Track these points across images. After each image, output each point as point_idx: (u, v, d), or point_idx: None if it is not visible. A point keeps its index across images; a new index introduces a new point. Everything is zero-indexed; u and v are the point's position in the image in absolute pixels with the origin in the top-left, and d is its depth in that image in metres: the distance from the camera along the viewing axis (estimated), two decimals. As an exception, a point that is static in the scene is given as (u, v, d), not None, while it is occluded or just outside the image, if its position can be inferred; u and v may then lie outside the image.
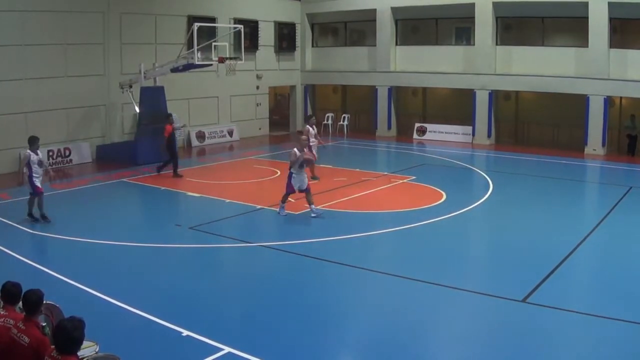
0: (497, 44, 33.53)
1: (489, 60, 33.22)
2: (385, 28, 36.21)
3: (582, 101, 30.98)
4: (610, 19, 30.50)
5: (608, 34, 30.72)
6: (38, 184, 16.90)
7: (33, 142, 17.04)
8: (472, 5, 33.10)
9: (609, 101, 31.13)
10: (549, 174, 25.13)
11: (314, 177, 21.75)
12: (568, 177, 24.69)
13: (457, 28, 36.05)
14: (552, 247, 15.07)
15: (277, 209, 17.99)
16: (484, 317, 11.25)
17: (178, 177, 23.55)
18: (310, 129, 22.52)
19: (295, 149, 17.72)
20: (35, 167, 16.84)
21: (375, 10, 36.16)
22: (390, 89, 36.30)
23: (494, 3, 32.73)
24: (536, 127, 33.99)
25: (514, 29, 34.69)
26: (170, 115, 25.13)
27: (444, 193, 20.52)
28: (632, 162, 28.55)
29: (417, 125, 36.06)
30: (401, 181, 22.46)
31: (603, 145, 30.87)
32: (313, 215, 17.52)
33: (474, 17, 33.36)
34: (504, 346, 9.99)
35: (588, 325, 10.85)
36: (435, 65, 34.81)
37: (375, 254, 15.12)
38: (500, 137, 34.45)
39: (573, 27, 32.43)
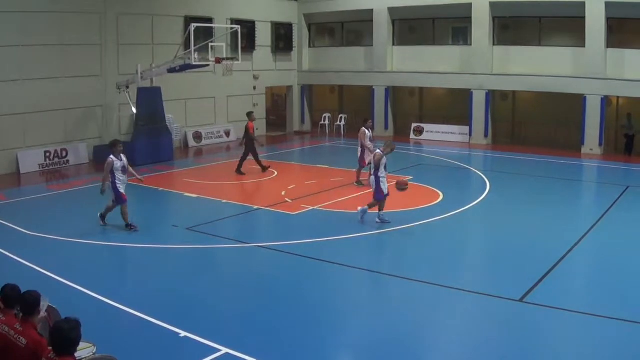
0: (494, 44, 33.57)
1: (486, 60, 33.26)
2: (382, 28, 36.23)
3: (579, 101, 31.03)
4: (607, 19, 30.52)
5: (605, 34, 30.79)
6: (122, 191, 16.19)
7: (115, 146, 16.23)
8: (469, 5, 33.14)
9: (606, 101, 31.14)
10: (546, 174, 25.17)
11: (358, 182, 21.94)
12: (565, 176, 24.71)
13: (454, 28, 36.09)
14: (549, 246, 15.08)
15: (379, 221, 17.00)
16: (482, 317, 11.25)
17: (241, 174, 23.86)
18: (367, 131, 22.07)
19: (378, 150, 17.22)
20: (118, 174, 16.10)
21: (372, 10, 36.18)
22: (387, 89, 36.33)
23: (490, 3, 32.78)
24: (533, 126, 34.03)
25: (511, 28, 34.70)
26: (252, 112, 25.28)
27: (441, 193, 20.56)
28: (629, 162, 28.58)
29: (414, 125, 36.09)
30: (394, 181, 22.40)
31: (600, 144, 30.89)
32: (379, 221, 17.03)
33: (470, 17, 33.40)
34: (501, 345, 10.01)
35: (586, 324, 10.87)
36: (432, 65, 34.85)
37: (372, 254, 15.19)
38: (497, 137, 34.45)
39: (570, 27, 32.49)
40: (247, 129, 24.21)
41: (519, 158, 29.04)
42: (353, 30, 40.17)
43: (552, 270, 13.29)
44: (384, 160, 16.78)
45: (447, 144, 33.46)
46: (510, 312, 11.29)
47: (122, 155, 16.21)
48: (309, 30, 39.90)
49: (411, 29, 37.62)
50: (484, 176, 24.10)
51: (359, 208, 17.14)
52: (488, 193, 21.05)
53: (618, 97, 32.40)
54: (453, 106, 35.62)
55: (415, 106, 38.44)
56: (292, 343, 9.98)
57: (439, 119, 35.82)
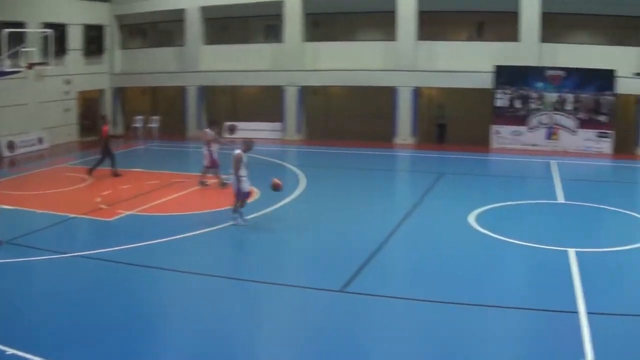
0: (305, 41, 33.86)
1: (297, 56, 33.58)
2: (194, 27, 35.79)
3: (391, 93, 31.85)
4: (418, 12, 31.58)
5: (416, 27, 31.81)
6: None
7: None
8: (281, 2, 33.35)
9: (417, 92, 32.20)
10: (360, 166, 25.68)
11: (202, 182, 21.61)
12: (380, 167, 25.34)
13: (267, 26, 36.34)
14: (366, 236, 15.32)
15: (235, 222, 16.59)
16: (304, 309, 11.25)
17: (118, 177, 23.30)
18: (212, 132, 21.58)
19: (239, 151, 16.60)
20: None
21: (184, 10, 35.65)
22: (200, 89, 35.94)
23: (302, 0, 33.00)
24: (347, 120, 34.42)
25: (322, 25, 35.18)
26: (105, 116, 24.98)
27: (257, 190, 20.17)
28: (441, 150, 29.64)
29: (227, 124, 35.54)
30: (214, 181, 21.94)
31: (413, 135, 31.92)
32: (243, 224, 16.58)
33: (282, 15, 33.58)
34: (324, 335, 10.02)
35: (405, 308, 11.12)
36: (244, 63, 34.70)
37: (191, 256, 14.65)
38: (310, 132, 34.84)
39: (381, 22, 33.38)
40: (101, 133, 23.92)
41: (333, 152, 29.49)
42: (165, 30, 39.48)
43: (371, 260, 13.49)
44: (244, 159, 16.42)
45: (262, 141, 33.13)
46: (332, 302, 11.35)
47: None
48: (121, 31, 38.72)
49: (223, 27, 37.34)
50: (298, 171, 24.18)
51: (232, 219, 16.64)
52: (304, 188, 21.12)
53: (430, 88, 33.55)
54: (266, 103, 35.67)
55: (229, 105, 38.19)
56: (122, 351, 9.49)
57: (253, 117, 35.42)
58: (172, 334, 10.43)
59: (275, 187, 17.21)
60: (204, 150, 21.37)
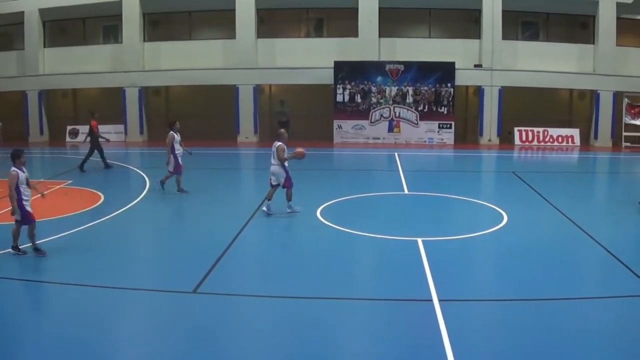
0: (144, 41, 33.34)
1: (137, 57, 33.13)
2: (33, 30, 34.63)
3: (232, 91, 31.52)
4: (257, 10, 31.41)
5: (255, 25, 31.64)
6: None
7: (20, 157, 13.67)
8: (120, 2, 32.73)
9: (258, 89, 31.98)
10: (205, 165, 25.29)
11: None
12: (224, 166, 25.44)
13: (105, 27, 35.46)
14: (216, 234, 15.19)
15: (292, 210, 17.02)
16: (158, 313, 10.90)
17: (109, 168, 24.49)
18: (176, 135, 20.10)
19: (281, 144, 16.91)
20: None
21: (23, 12, 34.36)
22: (40, 93, 34.72)
23: (140, 0, 32.32)
24: (189, 120, 33.55)
25: (161, 24, 34.67)
26: (95, 112, 25.14)
27: (101, 194, 19.77)
28: (289, 147, 29.42)
29: (69, 127, 34.69)
30: (58, 186, 21.25)
31: (255, 132, 31.72)
32: (297, 210, 17.04)
33: (121, 15, 32.83)
34: (180, 337, 9.75)
35: (260, 306, 11.03)
36: (84, 65, 33.95)
37: (44, 263, 13.63)
38: (152, 134, 34.37)
39: (221, 20, 33.12)
40: (91, 128, 24.43)
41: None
42: (4, 34, 37.65)
43: (221, 258, 13.34)
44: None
45: (104, 143, 32.11)
46: (185, 304, 11.09)
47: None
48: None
49: (62, 29, 36.19)
50: (142, 173, 23.66)
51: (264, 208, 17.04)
52: (148, 190, 20.63)
53: (270, 85, 33.42)
54: (108, 105, 34.52)
55: (70, 108, 37.13)
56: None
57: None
58: (22, 345, 9.64)
59: (300, 156, 17.19)
60: (168, 154, 19.81)
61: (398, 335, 9.61)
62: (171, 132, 19.77)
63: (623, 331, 9.67)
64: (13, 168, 13.31)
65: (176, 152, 19.56)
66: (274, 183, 17.01)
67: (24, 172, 13.47)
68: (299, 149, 17.07)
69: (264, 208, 17.02)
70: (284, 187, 16.99)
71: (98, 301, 11.25)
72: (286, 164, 16.95)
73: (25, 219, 13.41)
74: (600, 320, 10.14)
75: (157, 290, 11.77)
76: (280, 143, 16.98)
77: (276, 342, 9.59)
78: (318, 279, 12.23)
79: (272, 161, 16.98)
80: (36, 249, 13.62)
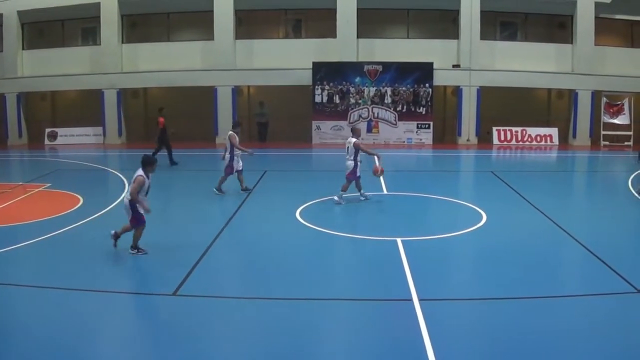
0: (123, 42, 33.25)
1: (115, 59, 33.02)
2: (11, 33, 34.30)
3: (211, 92, 31.50)
4: (236, 11, 31.40)
5: (233, 26, 31.66)
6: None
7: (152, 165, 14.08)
8: (98, 4, 32.62)
9: (237, 91, 31.97)
10: (184, 167, 25.37)
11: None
12: (204, 168, 25.23)
13: (84, 28, 35.32)
14: (195, 236, 15.19)
15: (339, 201, 18.09)
16: (137, 315, 10.95)
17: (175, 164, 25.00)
18: (236, 136, 19.71)
19: (355, 139, 17.91)
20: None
21: (1, 15, 34.13)
22: (19, 96, 34.47)
23: (119, 1, 32.58)
24: (166, 122, 33.53)
25: (140, 26, 34.59)
26: (163, 108, 25.99)
27: (80, 197, 19.62)
28: (264, 148, 29.48)
29: (47, 130, 34.49)
30: (37, 190, 21.18)
31: (236, 134, 31.60)
32: (342, 203, 18.08)
33: (99, 17, 32.75)
34: (160, 339, 9.73)
35: (240, 307, 10.99)
36: (63, 67, 33.69)
37: (24, 268, 13.67)
38: (131, 136, 34.30)
39: (199, 21, 33.10)
40: (158, 124, 25.08)
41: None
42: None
43: (201, 260, 13.31)
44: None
45: (83, 146, 32.61)
46: (165, 307, 11.07)
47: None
48: None
49: (41, 32, 35.95)
50: (121, 175, 23.62)
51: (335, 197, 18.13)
52: (127, 193, 20.28)
53: (249, 87, 33.41)
54: (86, 108, 34.67)
55: (48, 111, 36.87)
56: None
57: (73, 122, 34.59)
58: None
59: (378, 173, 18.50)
60: (226, 155, 19.64)
61: (378, 335, 9.65)
62: (232, 132, 19.44)
63: (604, 329, 9.77)
64: (141, 173, 13.57)
65: (235, 153, 19.31)
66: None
67: (148, 179, 13.78)
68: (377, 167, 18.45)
69: (336, 198, 18.10)
70: (347, 177, 18.05)
71: (77, 304, 11.21)
72: (359, 158, 17.92)
73: (137, 221, 13.69)
74: (581, 318, 10.24)
75: (137, 293, 11.79)
76: (355, 139, 17.89)
77: (257, 343, 9.57)
78: (298, 280, 12.23)
79: (347, 157, 18.05)
80: (135, 248, 13.90)
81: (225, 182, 19.88)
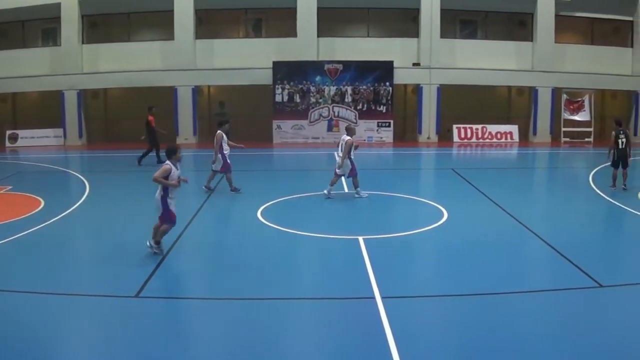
0: (83, 43, 33.05)
1: (75, 59, 32.87)
2: (-30, 35, 33.94)
3: (171, 93, 31.43)
4: (196, 11, 31.35)
5: (193, 26, 31.60)
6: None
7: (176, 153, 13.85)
8: (58, 5, 32.40)
9: (197, 90, 31.92)
10: (142, 168, 25.12)
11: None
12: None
13: (44, 29, 35.06)
14: None
15: (360, 195, 18.72)
16: (100, 318, 10.70)
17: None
18: (224, 134, 19.67)
19: (348, 137, 18.28)
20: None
21: (-38, 16, 33.69)
22: (-22, 98, 34.03)
23: (79, 1, 32.42)
24: (127, 122, 33.47)
25: (100, 26, 34.39)
26: (153, 107, 25.99)
27: (41, 200, 19.38)
28: (232, 148, 29.33)
29: (8, 132, 34.24)
30: None
31: (194, 134, 31.69)
32: (365, 196, 18.71)
33: (60, 17, 32.51)
34: (123, 342, 9.63)
35: (203, 308, 11.03)
36: (23, 69, 33.46)
37: None
38: (91, 137, 34.18)
39: (159, 21, 33.04)
40: (148, 123, 25.30)
41: (115, 155, 28.88)
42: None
43: (163, 261, 13.23)
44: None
45: (44, 148, 32.41)
46: (128, 309, 10.94)
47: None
48: None
49: (1, 33, 35.58)
50: (82, 177, 23.41)
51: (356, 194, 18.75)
52: (88, 194, 20.41)
53: (209, 87, 33.36)
54: (47, 109, 34.45)
55: (9, 112, 36.55)
56: None
57: (34, 124, 34.30)
58: None
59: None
60: (216, 153, 19.50)
61: (342, 334, 9.65)
62: (219, 131, 19.55)
63: (568, 324, 9.84)
64: (167, 162, 13.50)
65: (224, 151, 19.32)
66: (339, 173, 18.66)
67: (177, 169, 13.58)
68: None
69: (325, 192, 18.63)
70: (349, 177, 18.70)
71: (39, 308, 11.07)
72: (352, 155, 18.35)
73: (167, 218, 13.55)
74: (544, 314, 10.28)
75: (99, 295, 11.58)
76: (349, 137, 18.25)
77: (220, 343, 9.55)
78: (260, 279, 12.22)
79: (339, 153, 18.47)
80: (157, 243, 13.64)
81: (204, 179, 20.12)
